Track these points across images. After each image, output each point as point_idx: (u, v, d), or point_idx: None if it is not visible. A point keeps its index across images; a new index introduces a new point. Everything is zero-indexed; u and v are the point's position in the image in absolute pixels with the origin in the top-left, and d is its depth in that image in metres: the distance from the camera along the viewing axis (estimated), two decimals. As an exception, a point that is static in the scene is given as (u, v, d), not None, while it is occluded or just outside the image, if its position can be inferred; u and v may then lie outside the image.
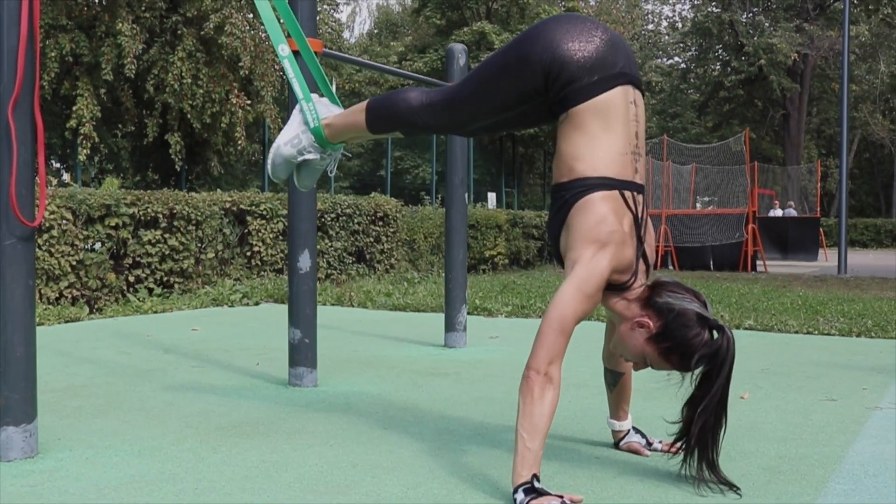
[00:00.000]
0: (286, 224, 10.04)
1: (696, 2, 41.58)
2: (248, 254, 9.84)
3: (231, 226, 9.66)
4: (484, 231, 15.55)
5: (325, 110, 3.01)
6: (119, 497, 2.36)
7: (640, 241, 2.54)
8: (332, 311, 7.50)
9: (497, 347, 5.36)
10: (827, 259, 21.11)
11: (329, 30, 26.41)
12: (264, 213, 9.99)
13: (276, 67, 16.39)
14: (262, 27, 16.39)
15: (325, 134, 2.96)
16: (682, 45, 44.66)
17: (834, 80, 40.11)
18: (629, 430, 2.94)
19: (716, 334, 2.46)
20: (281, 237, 10.17)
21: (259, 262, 9.94)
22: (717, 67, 41.17)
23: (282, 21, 3.39)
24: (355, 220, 11.89)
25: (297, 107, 3.00)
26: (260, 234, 9.94)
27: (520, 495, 2.28)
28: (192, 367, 4.54)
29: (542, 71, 2.53)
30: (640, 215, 2.55)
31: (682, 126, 42.90)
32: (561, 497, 2.27)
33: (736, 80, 38.15)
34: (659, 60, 48.20)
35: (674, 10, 60.30)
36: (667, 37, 49.06)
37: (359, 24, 57.27)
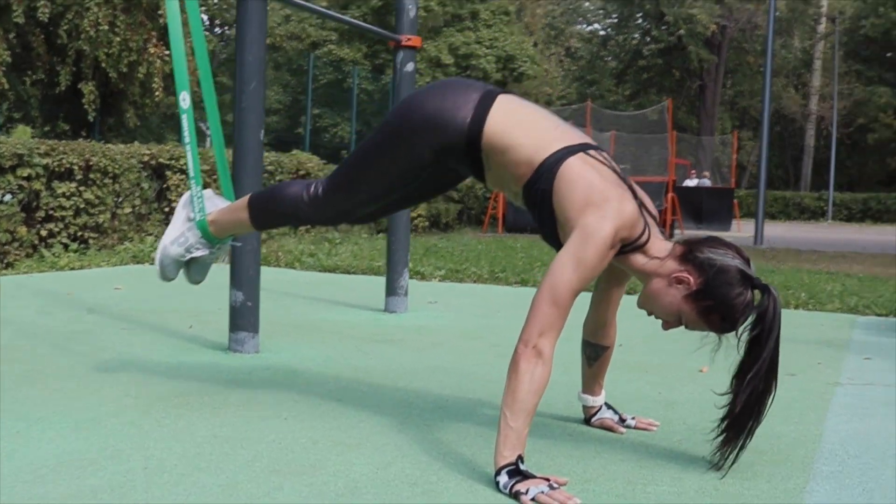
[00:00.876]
0: (207, 179, 9.70)
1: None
2: (167, 209, 9.48)
3: (149, 180, 9.30)
4: (406, 193, 15.33)
5: (211, 205, 2.90)
6: (59, 478, 2.12)
7: (631, 190, 2.37)
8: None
9: (438, 313, 5.19)
10: (740, 229, 21.46)
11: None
12: (185, 167, 9.62)
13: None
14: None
15: (210, 230, 2.86)
16: (603, 11, 44.81)
17: (750, 54, 40.70)
18: (602, 406, 2.80)
19: (759, 294, 2.28)
20: (202, 193, 9.82)
21: (179, 219, 9.58)
22: (637, 36, 41.44)
23: (192, 59, 3.25)
24: (277, 178, 11.57)
25: (182, 201, 2.91)
26: (179, 190, 9.57)
27: (503, 477, 2.11)
28: (120, 329, 4.27)
29: (432, 151, 2.44)
30: (615, 168, 2.38)
31: (599, 93, 43.10)
32: (547, 479, 2.11)
33: (655, 49, 38.47)
34: (580, 27, 48.33)
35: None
36: (587, 3, 49.16)
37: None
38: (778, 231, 22.85)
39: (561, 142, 2.36)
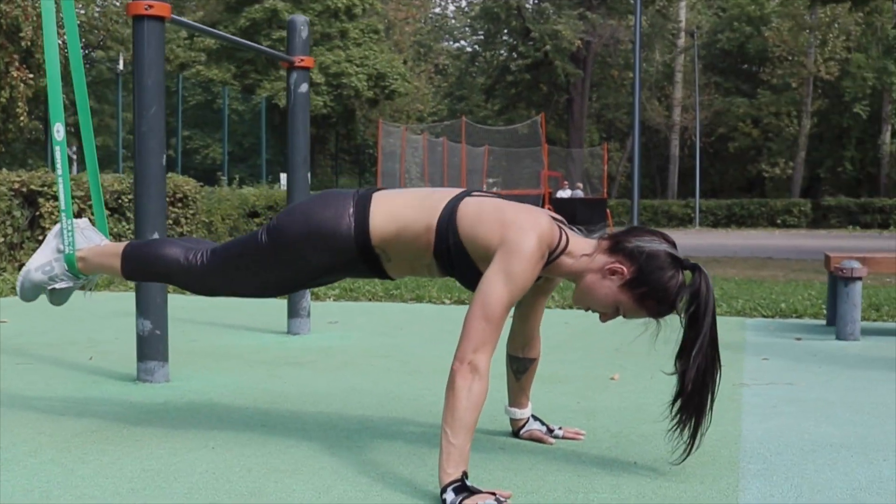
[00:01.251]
0: (82, 205, 9.41)
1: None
2: (40, 237, 9.14)
3: (21, 208, 8.96)
4: (287, 212, 15.17)
5: (83, 240, 2.90)
6: (-11, 522, 2.03)
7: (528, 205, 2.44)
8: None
9: (341, 333, 5.16)
10: (615, 238, 21.97)
11: (115, 1, 25.12)
12: (57, 194, 9.30)
13: (63, 39, 15.39)
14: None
15: (78, 266, 2.87)
16: (469, 28, 45.39)
17: (614, 67, 41.88)
18: (529, 418, 2.83)
19: (690, 274, 2.34)
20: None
21: (53, 247, 9.25)
22: (504, 52, 42.12)
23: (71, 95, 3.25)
24: (154, 202, 11.34)
25: (54, 230, 2.92)
26: (53, 217, 9.25)
27: (449, 495, 2.11)
28: (16, 364, 4.09)
29: (319, 260, 2.51)
30: (504, 199, 2.46)
31: (468, 109, 43.62)
32: (493, 493, 2.12)
33: (522, 64, 39.12)
34: (446, 44, 48.81)
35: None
36: (453, 20, 49.72)
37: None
38: (649, 239, 23.47)
39: (445, 199, 2.44)
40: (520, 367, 2.77)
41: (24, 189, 9.00)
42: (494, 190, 24.52)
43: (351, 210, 2.46)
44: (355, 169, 37.16)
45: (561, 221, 2.48)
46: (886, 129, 38.47)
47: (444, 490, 2.13)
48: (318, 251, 2.48)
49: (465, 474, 2.15)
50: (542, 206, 16.13)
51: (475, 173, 26.43)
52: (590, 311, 2.50)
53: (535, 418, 2.85)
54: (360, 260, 2.49)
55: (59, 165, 3.03)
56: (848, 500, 2.21)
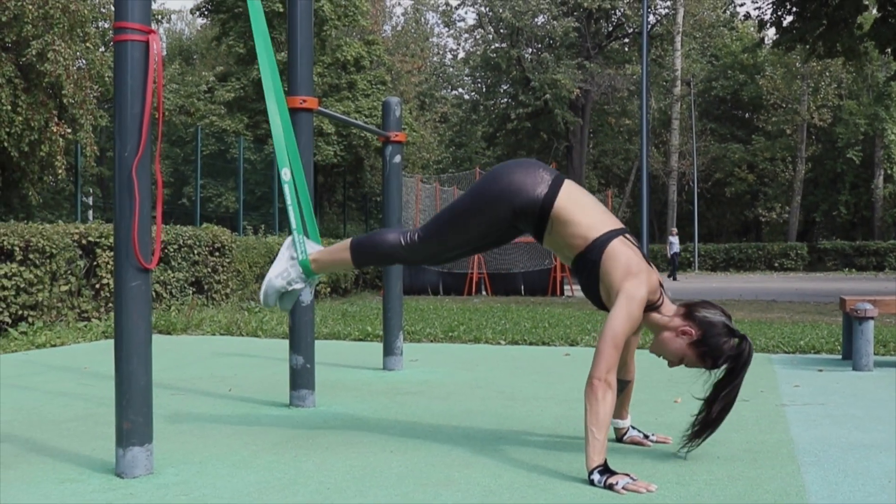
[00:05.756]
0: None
1: (477, 36, 43.37)
2: (97, 286, 9.87)
3: (80, 258, 9.70)
4: (310, 261, 15.89)
5: (311, 246, 3.66)
6: (276, 497, 2.82)
7: (650, 266, 3.26)
8: (230, 342, 7.83)
9: (429, 369, 5.96)
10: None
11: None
12: (113, 245, 10.00)
13: (93, 95, 16.19)
14: (83, 55, 16.23)
15: (311, 267, 3.62)
16: (470, 77, 46.44)
17: (611, 115, 42.93)
18: (629, 427, 3.64)
19: (738, 341, 3.18)
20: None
21: (109, 294, 9.96)
22: (506, 101, 43.11)
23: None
24: (195, 251, 12.13)
25: (286, 243, 3.65)
26: (109, 266, 9.99)
27: (596, 475, 2.93)
28: (171, 395, 4.87)
29: (511, 212, 3.29)
30: (640, 249, 3.27)
31: (468, 156, 44.59)
32: (628, 474, 2.93)
33: (523, 113, 40.12)
34: (445, 91, 49.85)
35: (458, 44, 62.50)
36: (451, 69, 50.76)
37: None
38: (653, 282, 24.23)
39: (607, 225, 3.26)
40: (619, 386, 3.57)
41: (84, 241, 9.73)
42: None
43: (547, 184, 3.27)
44: (361, 216, 37.96)
45: (662, 285, 3.31)
46: (879, 173, 39.62)
47: (591, 472, 2.95)
48: (510, 207, 3.26)
49: (605, 460, 2.96)
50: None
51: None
52: (661, 358, 3.34)
53: (634, 427, 3.66)
54: (534, 221, 3.28)
55: (287, 197, 3.70)
56: (883, 480, 3.03)
